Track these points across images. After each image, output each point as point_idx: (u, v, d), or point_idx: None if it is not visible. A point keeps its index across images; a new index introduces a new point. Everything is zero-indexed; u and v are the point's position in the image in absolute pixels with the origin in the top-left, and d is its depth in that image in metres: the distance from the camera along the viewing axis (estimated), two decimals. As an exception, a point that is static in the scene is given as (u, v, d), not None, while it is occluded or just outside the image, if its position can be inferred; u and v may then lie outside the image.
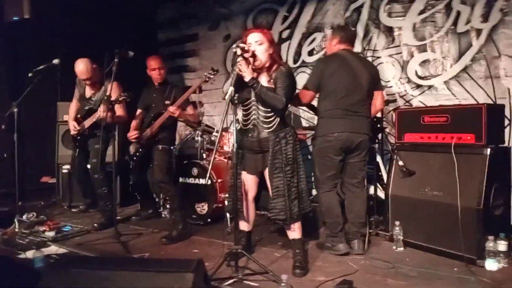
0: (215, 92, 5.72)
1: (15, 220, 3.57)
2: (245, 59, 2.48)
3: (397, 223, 2.94)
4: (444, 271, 2.51)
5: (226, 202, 3.63)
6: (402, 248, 2.93)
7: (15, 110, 3.75)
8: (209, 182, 3.70)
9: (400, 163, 3.02)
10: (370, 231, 3.23)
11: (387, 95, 4.12)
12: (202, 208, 3.81)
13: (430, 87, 4.12)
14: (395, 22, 4.33)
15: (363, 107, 2.93)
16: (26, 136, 4.59)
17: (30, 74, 3.80)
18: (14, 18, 4.24)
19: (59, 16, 4.97)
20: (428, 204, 2.84)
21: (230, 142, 4.08)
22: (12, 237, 3.37)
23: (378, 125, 3.52)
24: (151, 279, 1.65)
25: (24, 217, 3.73)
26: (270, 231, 3.51)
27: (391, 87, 4.27)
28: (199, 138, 4.22)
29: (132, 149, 3.76)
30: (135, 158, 3.75)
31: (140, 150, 3.71)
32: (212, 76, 3.61)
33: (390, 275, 2.49)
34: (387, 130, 4.03)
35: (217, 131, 4.32)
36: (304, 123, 4.85)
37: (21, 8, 4.14)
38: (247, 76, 2.45)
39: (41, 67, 3.81)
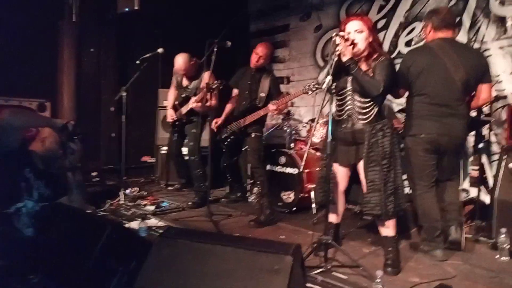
0: (302, 83, 5.66)
1: (121, 193, 3.96)
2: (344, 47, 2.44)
3: (503, 230, 2.69)
4: (559, 288, 2.25)
5: (312, 193, 3.65)
6: (507, 258, 2.67)
7: (124, 94, 4.13)
8: (297, 171, 3.73)
9: (511, 165, 2.74)
10: (469, 236, 3.01)
11: (495, 90, 3.76)
12: (288, 196, 3.86)
13: (547, 83, 3.67)
14: (509, 10, 3.91)
15: (459, 106, 2.66)
16: (131, 119, 5.06)
17: (137, 62, 4.15)
18: (126, 9, 4.64)
19: (161, 8, 5.32)
20: (542, 212, 2.56)
21: (318, 133, 4.07)
22: (118, 208, 3.75)
23: (483, 121, 3.22)
24: (252, 257, 1.72)
25: (128, 191, 4.13)
26: (358, 226, 3.43)
27: (500, 82, 3.88)
28: (287, 128, 4.28)
29: (224, 132, 3.91)
30: (226, 142, 3.90)
31: (232, 137, 3.85)
32: (314, 90, 3.40)
33: (493, 285, 2.30)
34: (494, 129, 3.68)
35: (310, 120, 4.33)
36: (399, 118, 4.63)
37: (132, 0, 4.52)
38: (347, 55, 2.40)
39: (147, 55, 4.15)
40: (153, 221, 3.33)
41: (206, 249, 1.81)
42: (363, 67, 2.51)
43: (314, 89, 3.36)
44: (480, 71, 2.73)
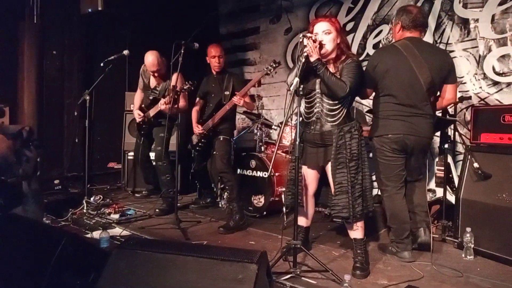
0: (273, 86, 5.69)
1: (84, 201, 3.79)
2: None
3: (468, 229, 2.73)
4: (522, 286, 2.29)
5: (283, 196, 3.61)
6: (472, 257, 2.71)
7: (87, 98, 3.98)
8: (266, 175, 3.69)
9: (475, 165, 2.78)
10: (436, 236, 3.04)
11: (459, 91, 3.84)
12: (259, 200, 3.81)
13: (509, 84, 3.76)
14: (472, 13, 4.00)
15: (424, 106, 2.68)
16: (96, 123, 4.88)
17: (101, 64, 4.01)
18: (89, 10, 4.48)
19: (127, 9, 5.16)
20: (505, 211, 2.60)
21: (288, 136, 4.05)
22: (81, 217, 3.59)
23: (448, 121, 3.27)
24: (215, 267, 1.65)
25: (92, 199, 3.96)
26: (328, 228, 3.42)
27: (464, 83, 3.96)
28: (258, 131, 4.23)
29: (194, 139, 3.84)
30: (197, 148, 3.82)
31: (203, 140, 3.77)
32: (273, 69, 3.56)
33: (460, 284, 2.31)
34: (459, 129, 3.75)
35: (280, 123, 4.30)
36: (368, 119, 4.68)
37: (96, 1, 4.37)
38: (314, 56, 2.38)
39: (112, 57, 4.01)
40: (117, 230, 3.20)
41: (166, 259, 1.73)
42: (331, 68, 2.49)
43: (272, 68, 3.43)
44: (445, 72, 2.76)
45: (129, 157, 4.79)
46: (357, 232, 2.52)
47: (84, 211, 3.71)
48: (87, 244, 2.41)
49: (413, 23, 2.77)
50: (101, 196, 4.12)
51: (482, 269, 2.55)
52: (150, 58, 3.86)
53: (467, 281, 2.36)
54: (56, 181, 4.12)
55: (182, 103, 3.85)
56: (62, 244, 1.99)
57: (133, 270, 1.75)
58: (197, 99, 3.97)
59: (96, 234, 2.99)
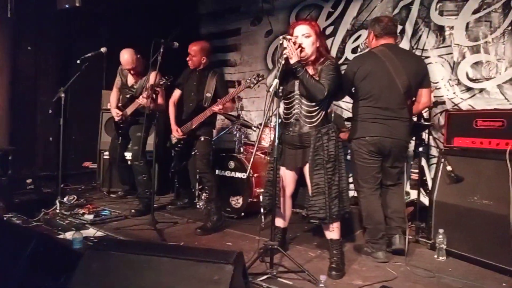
0: (254, 87, 5.68)
1: (57, 201, 3.70)
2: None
3: (441, 231, 2.79)
4: (491, 285, 2.36)
5: (261, 197, 3.61)
6: (444, 258, 2.78)
7: (62, 95, 3.89)
8: (245, 176, 3.68)
9: (448, 168, 2.86)
10: (410, 237, 3.10)
11: (434, 96, 3.93)
12: (237, 201, 3.80)
13: (481, 90, 3.89)
14: (447, 21, 4.12)
15: (401, 110, 2.75)
16: (71, 122, 4.76)
17: (78, 61, 3.92)
18: (66, 6, 4.37)
19: (105, 6, 5.06)
20: (476, 213, 2.68)
21: (267, 137, 4.05)
22: (53, 218, 3.49)
23: (424, 125, 3.35)
24: (190, 268, 1.63)
25: (65, 199, 3.87)
26: (305, 229, 3.44)
27: (439, 88, 4.07)
28: (237, 132, 4.22)
29: (173, 138, 3.78)
30: (177, 148, 3.77)
31: (182, 141, 3.73)
32: (256, 82, 3.46)
33: (432, 285, 2.36)
34: (433, 133, 3.85)
35: (259, 125, 4.29)
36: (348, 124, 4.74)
37: (73, -4, 4.27)
38: (294, 58, 2.39)
39: (89, 54, 3.93)
40: (91, 231, 3.12)
41: (140, 261, 1.70)
42: (310, 70, 2.51)
43: (255, 82, 3.38)
44: (420, 76, 2.85)
45: (105, 157, 4.69)
46: (333, 233, 2.55)
47: (57, 211, 3.61)
48: (59, 244, 2.35)
49: (384, 30, 2.86)
50: (75, 196, 4.02)
51: (454, 269, 2.61)
52: (126, 56, 3.81)
53: (439, 281, 2.42)
54: (29, 181, 3.99)
55: (160, 100, 3.80)
56: (33, 244, 1.94)
57: (106, 272, 1.71)
58: (177, 91, 3.82)
59: (69, 235, 2.90)
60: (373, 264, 2.69)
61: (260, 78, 3.44)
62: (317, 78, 2.46)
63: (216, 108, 3.48)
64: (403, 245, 2.78)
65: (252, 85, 3.45)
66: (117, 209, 3.90)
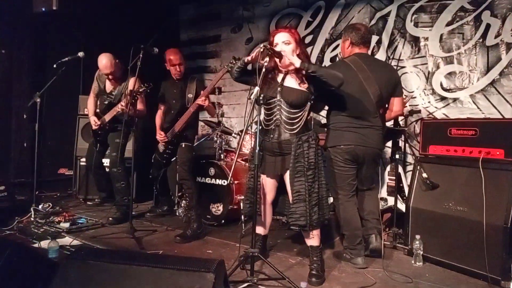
0: (234, 94, 5.72)
1: (31, 209, 3.59)
2: (271, 57, 2.46)
3: (417, 237, 2.85)
4: (466, 290, 2.43)
5: (241, 204, 3.61)
6: (421, 263, 2.84)
7: (38, 100, 3.79)
8: (226, 183, 3.67)
9: (424, 175, 2.93)
10: (388, 243, 3.16)
11: (410, 105, 4.05)
12: (217, 209, 3.78)
13: (455, 100, 4.03)
14: (422, 32, 4.26)
15: (374, 118, 2.82)
16: (46, 127, 4.65)
17: (54, 66, 3.84)
18: (42, 9, 4.28)
19: (83, 9, 4.98)
20: (452, 219, 2.75)
21: (248, 144, 4.06)
22: (28, 226, 3.39)
23: (398, 131, 3.43)
24: (171, 277, 1.61)
25: (40, 207, 3.77)
26: (285, 236, 3.45)
27: (415, 97, 4.19)
28: (218, 139, 4.21)
29: (161, 147, 3.75)
30: (165, 155, 3.72)
31: (170, 147, 3.69)
32: (234, 65, 3.49)
33: (409, 289, 2.41)
34: (408, 141, 3.95)
35: (240, 132, 4.29)
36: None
37: (50, 0, 4.19)
38: (296, 62, 2.41)
39: (66, 59, 3.86)
40: (67, 240, 3.04)
41: (119, 270, 1.67)
42: (294, 80, 2.54)
43: (233, 64, 3.29)
44: (392, 85, 2.93)
45: (82, 163, 4.59)
46: (313, 240, 2.57)
47: (32, 219, 3.51)
48: (34, 254, 2.28)
49: (362, 39, 2.93)
50: (50, 204, 3.91)
51: (431, 274, 2.67)
52: (104, 61, 3.75)
53: (417, 286, 2.47)
54: (1, 188, 3.86)
55: (141, 107, 3.76)
56: (6, 254, 1.88)
57: (84, 282, 1.67)
58: (159, 105, 3.87)
59: (44, 244, 2.82)
60: (352, 270, 2.72)
61: (237, 61, 3.39)
62: (302, 89, 2.50)
63: (199, 100, 3.46)
64: (380, 245, 2.83)
65: (230, 69, 3.42)
66: (94, 217, 3.82)
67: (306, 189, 2.46)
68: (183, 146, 3.58)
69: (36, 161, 3.80)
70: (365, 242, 2.87)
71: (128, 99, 3.41)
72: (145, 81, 3.48)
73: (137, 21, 5.32)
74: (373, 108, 2.81)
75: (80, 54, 3.90)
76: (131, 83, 3.46)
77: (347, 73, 2.76)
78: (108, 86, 3.98)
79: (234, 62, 3.38)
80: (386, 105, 2.99)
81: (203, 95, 3.50)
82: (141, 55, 3.27)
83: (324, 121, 4.73)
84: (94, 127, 3.91)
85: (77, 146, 4.69)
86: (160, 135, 3.67)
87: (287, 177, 2.56)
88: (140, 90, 3.41)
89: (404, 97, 3.34)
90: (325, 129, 3.06)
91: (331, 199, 3.31)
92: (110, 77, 3.85)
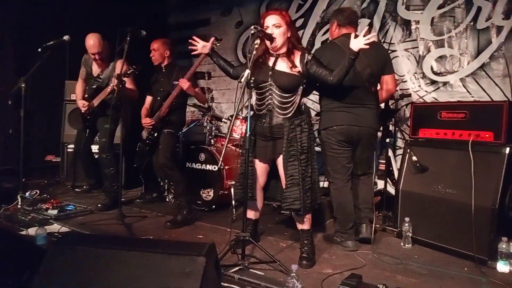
0: (223, 79, 5.64)
1: (18, 196, 3.54)
2: (262, 40, 2.42)
3: (406, 219, 2.88)
4: (454, 270, 2.45)
5: (232, 189, 3.59)
6: (410, 245, 2.87)
7: (22, 85, 3.69)
8: (216, 168, 3.65)
9: (414, 158, 2.94)
10: (377, 226, 3.18)
11: (400, 89, 4.04)
12: (208, 194, 3.76)
13: (445, 83, 4.04)
14: (413, 15, 4.23)
15: (366, 97, 2.80)
16: (32, 113, 4.53)
17: (39, 50, 3.73)
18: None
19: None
20: (441, 201, 2.78)
21: (239, 129, 4.03)
22: (15, 214, 3.33)
23: (391, 111, 3.42)
24: (161, 261, 1.60)
25: (27, 194, 3.71)
26: (276, 221, 3.46)
27: (405, 81, 4.19)
28: (208, 124, 4.17)
29: (144, 133, 3.70)
30: (148, 142, 3.68)
31: (152, 132, 3.63)
32: (215, 46, 3.41)
33: (399, 271, 2.43)
34: (399, 125, 3.96)
35: (230, 116, 4.24)
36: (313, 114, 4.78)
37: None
38: (352, 51, 2.41)
39: (51, 43, 3.74)
40: (55, 227, 3.00)
41: (109, 255, 1.65)
42: (286, 63, 2.50)
43: (214, 46, 3.05)
44: (382, 63, 2.90)
45: (69, 150, 4.51)
46: (304, 223, 2.57)
47: (19, 206, 3.46)
48: (21, 241, 2.25)
49: (347, 20, 2.92)
50: (37, 191, 3.86)
51: (419, 256, 2.70)
52: (92, 40, 3.66)
53: (406, 268, 2.49)
54: (-13, 175, 3.79)
55: (131, 87, 3.69)
56: (-8, 241, 1.85)
57: (72, 267, 1.65)
58: (148, 97, 3.82)
59: (31, 231, 2.76)
60: (342, 253, 2.74)
61: (218, 42, 3.18)
62: (295, 73, 2.47)
63: (182, 83, 3.38)
64: (370, 234, 2.84)
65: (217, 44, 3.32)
66: (83, 204, 3.77)
67: (299, 173, 2.44)
68: (166, 132, 3.53)
69: (22, 148, 3.72)
70: (356, 229, 2.88)
71: (114, 82, 3.33)
72: (134, 63, 3.41)
73: (124, 4, 5.19)
74: (365, 86, 2.79)
75: (66, 37, 3.78)
76: (119, 65, 3.38)
77: (335, 52, 2.74)
78: (95, 69, 3.89)
79: (216, 42, 3.26)
80: (378, 84, 2.96)
81: (184, 78, 3.43)
82: (128, 38, 3.20)
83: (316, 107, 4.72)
84: (82, 110, 3.83)
85: (63, 132, 4.60)
86: (145, 120, 3.61)
87: (280, 161, 2.54)
88: (128, 72, 3.33)
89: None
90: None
91: (322, 183, 3.32)
92: (97, 57, 3.75)
